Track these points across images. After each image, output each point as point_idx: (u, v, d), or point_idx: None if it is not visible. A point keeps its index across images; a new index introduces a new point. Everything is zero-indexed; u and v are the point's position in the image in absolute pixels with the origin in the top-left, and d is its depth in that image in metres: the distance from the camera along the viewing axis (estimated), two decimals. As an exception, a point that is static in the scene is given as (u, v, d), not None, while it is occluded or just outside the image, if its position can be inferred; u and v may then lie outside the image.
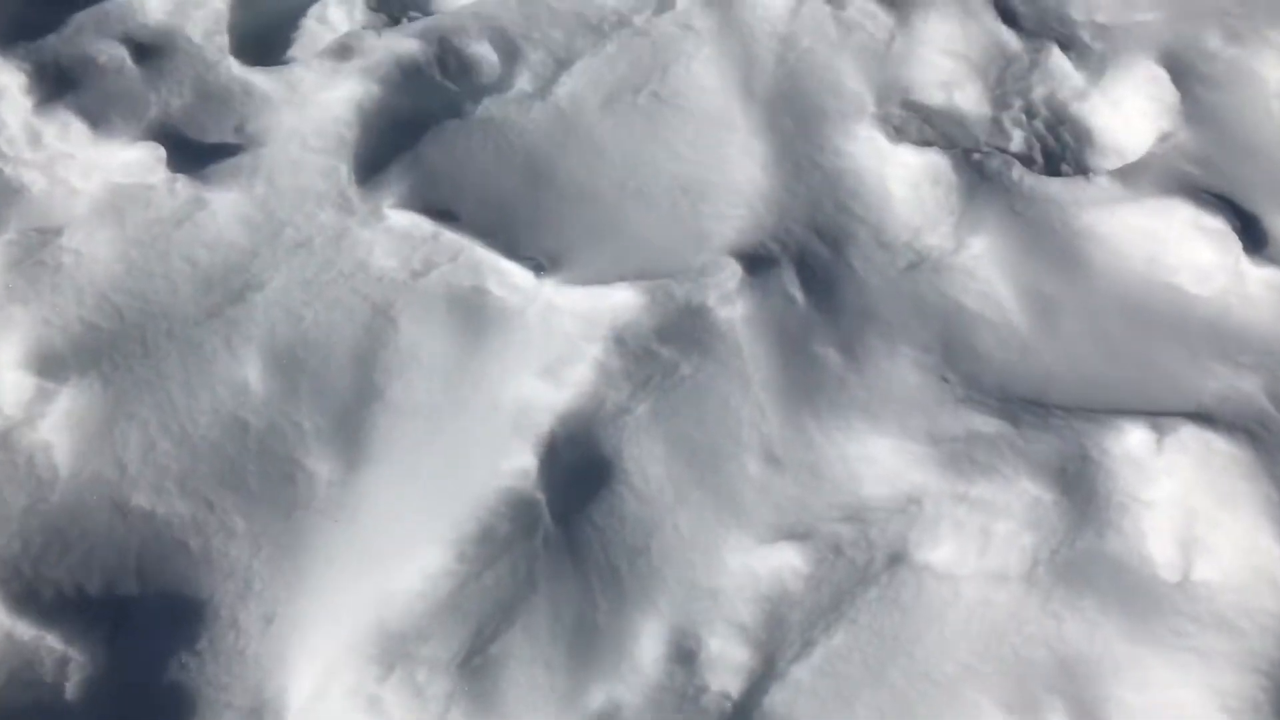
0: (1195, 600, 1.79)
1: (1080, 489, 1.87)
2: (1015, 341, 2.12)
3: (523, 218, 2.14)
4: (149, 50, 2.25)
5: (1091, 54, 2.54)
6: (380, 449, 1.88)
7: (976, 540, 1.82)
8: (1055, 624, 1.77)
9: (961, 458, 1.87)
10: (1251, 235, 2.27)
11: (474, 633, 1.67)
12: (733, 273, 2.03)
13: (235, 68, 2.25)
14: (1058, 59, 2.50)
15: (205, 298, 1.96)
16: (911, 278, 2.18)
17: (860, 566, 1.79)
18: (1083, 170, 2.43)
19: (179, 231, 2.02)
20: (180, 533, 1.76)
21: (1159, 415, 1.95)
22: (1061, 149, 2.45)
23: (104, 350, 1.88)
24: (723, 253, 2.08)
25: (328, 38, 2.35)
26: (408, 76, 2.19)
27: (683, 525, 1.83)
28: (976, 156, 2.30)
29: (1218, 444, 1.90)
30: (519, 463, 1.79)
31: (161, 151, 2.05)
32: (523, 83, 2.30)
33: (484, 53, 2.29)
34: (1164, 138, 2.42)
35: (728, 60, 2.39)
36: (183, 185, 2.05)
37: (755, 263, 2.06)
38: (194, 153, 2.10)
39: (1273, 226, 2.29)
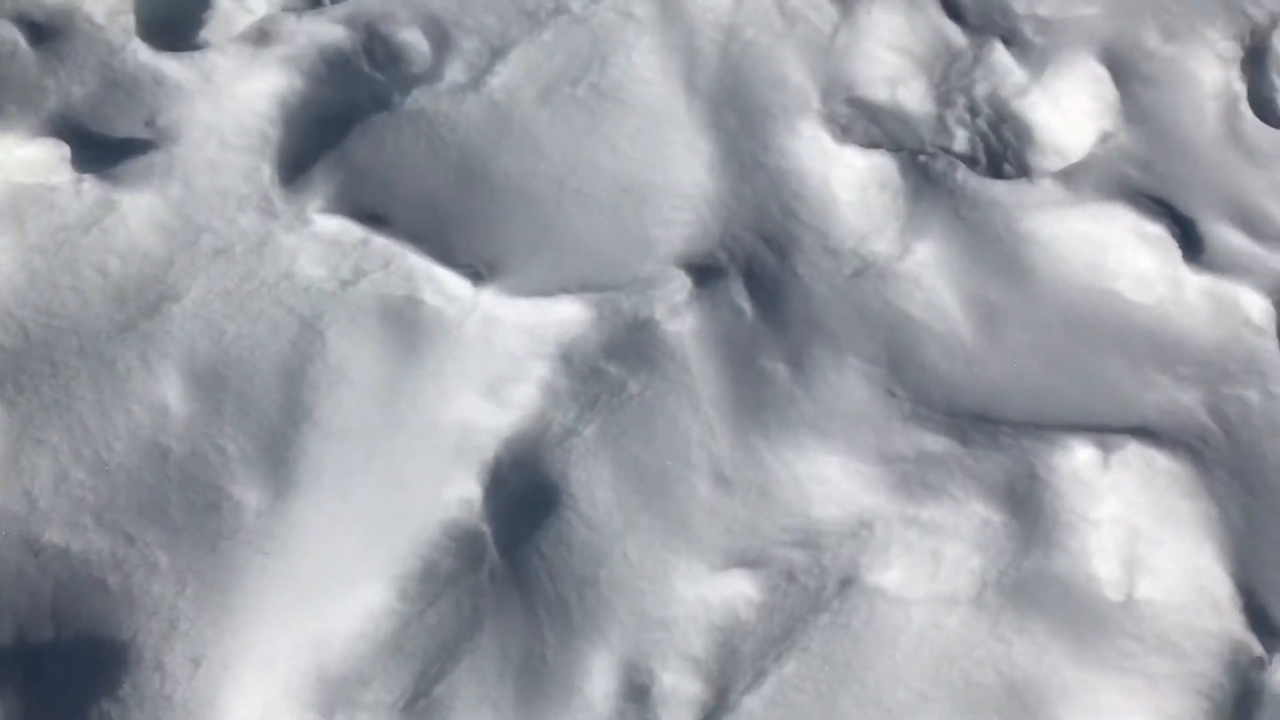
0: (1140, 621, 1.81)
1: (1028, 509, 1.87)
2: (961, 353, 2.10)
3: (458, 220, 2.04)
4: (46, 31, 2.06)
5: (1033, 49, 2.51)
6: (311, 474, 1.78)
7: (927, 564, 1.81)
8: (1004, 648, 1.77)
9: (912, 479, 1.85)
10: (1190, 241, 2.28)
11: (418, 675, 1.60)
12: (681, 285, 1.96)
13: (143, 53, 2.08)
14: (1000, 54, 2.47)
15: (118, 311, 1.82)
16: (857, 285, 2.14)
17: (812, 593, 1.76)
18: (1025, 170, 2.41)
19: (87, 238, 1.87)
20: (98, 570, 1.65)
21: (1104, 431, 1.95)
22: (1004, 148, 2.42)
23: (7, 371, 1.73)
24: (670, 262, 2.01)
25: (244, 20, 2.19)
26: (333, 67, 2.05)
27: (632, 552, 1.77)
28: (922, 159, 2.26)
29: (1160, 461, 1.91)
30: (462, 491, 1.71)
31: (65, 149, 1.88)
32: (455, 73, 2.18)
33: (414, 40, 2.16)
34: (1105, 138, 2.42)
35: (670, 51, 2.30)
36: (90, 186, 1.89)
37: (703, 274, 1.99)
38: (101, 149, 1.94)
39: (1209, 232, 2.31)
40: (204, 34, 2.19)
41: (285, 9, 2.17)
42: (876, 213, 2.20)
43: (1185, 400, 2.05)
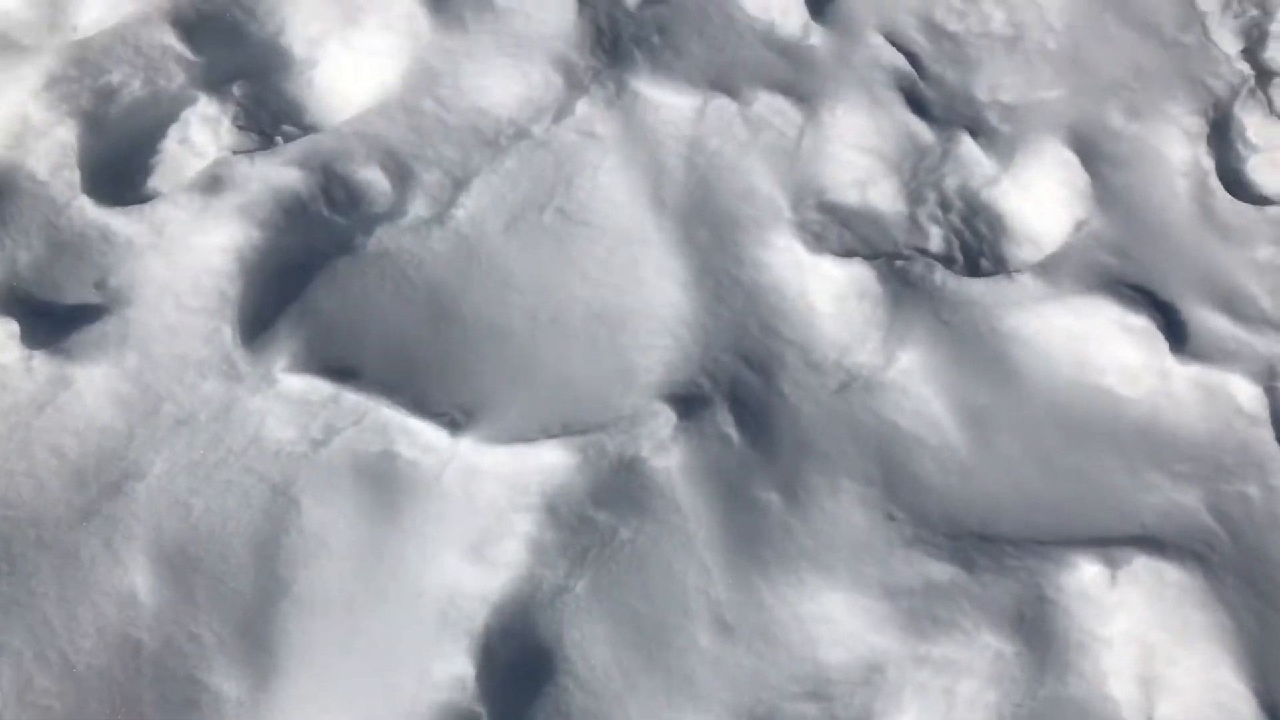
0: (1163, 745, 1.75)
1: (1039, 634, 1.81)
2: (955, 464, 2.04)
3: (430, 365, 1.96)
4: (-13, 194, 1.99)
5: (1000, 138, 2.48)
6: (293, 656, 1.68)
7: (941, 704, 1.74)
8: (1028, 785, 1.71)
9: (921, 614, 1.78)
10: (1174, 330, 2.25)
11: None
12: (666, 419, 1.89)
13: (90, 209, 1.99)
14: (968, 146, 2.43)
15: (78, 495, 1.73)
16: (845, 400, 2.08)
17: (826, 746, 1.70)
18: (1002, 264, 2.37)
19: (40, 418, 1.77)
20: (69, 785, 1.55)
21: (1107, 543, 1.90)
22: (979, 242, 2.39)
23: (-39, 572, 1.64)
24: (651, 393, 1.95)
25: (193, 164, 2.11)
26: (290, 214, 1.98)
27: (635, 716, 1.69)
28: (899, 263, 2.22)
29: (1169, 573, 1.86)
30: (453, 669, 1.62)
31: (13, 325, 1.79)
32: (418, 208, 2.11)
33: (373, 178, 2.09)
34: (1079, 225, 2.39)
35: (635, 169, 2.25)
36: (40, 363, 1.80)
37: (687, 404, 1.93)
38: (51, 321, 1.85)
39: (1193, 318, 2.28)
40: (153, 182, 2.11)
41: (236, 151, 2.10)
42: (857, 323, 2.15)
43: (1185, 501, 2.01)
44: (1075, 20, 2.69)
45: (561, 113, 2.26)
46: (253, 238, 1.92)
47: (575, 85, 2.28)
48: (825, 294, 2.17)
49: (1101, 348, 2.22)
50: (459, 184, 2.15)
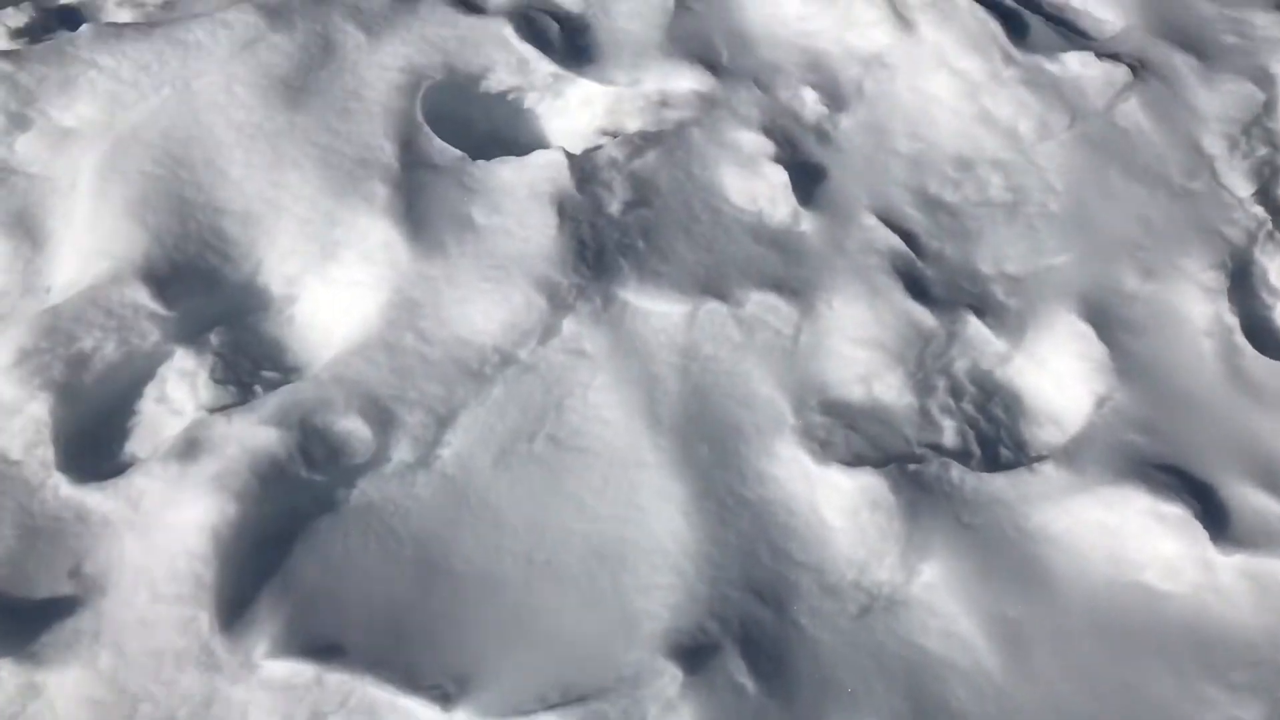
0: None
1: None
2: (990, 689, 1.90)
3: (420, 630, 1.85)
4: (-42, 484, 1.92)
5: (1008, 313, 2.38)
6: None
7: None
8: None
9: None
10: (1213, 515, 2.10)
11: None
12: (672, 677, 1.77)
13: (65, 487, 1.92)
14: (975, 327, 2.33)
15: (50, 819, 1.63)
16: (866, 626, 1.95)
17: None
18: (1023, 449, 2.24)
19: (9, 735, 1.69)
20: None
21: (1166, 779, 1.75)
22: (996, 429, 2.26)
23: None
24: (656, 645, 1.82)
25: (171, 425, 2.04)
26: (267, 481, 1.90)
27: None
28: (912, 467, 2.10)
29: (1237, 814, 1.71)
30: None
31: (-19, 637, 1.72)
32: (402, 452, 2.03)
33: (353, 428, 2.01)
34: (1100, 402, 2.26)
35: (627, 385, 2.16)
36: (9, 673, 1.71)
37: (695, 656, 1.81)
38: (21, 621, 1.76)
39: (1231, 498, 2.14)
40: (130, 447, 2.04)
41: (213, 409, 2.04)
42: (873, 537, 2.02)
43: (1247, 719, 1.85)
44: (1077, 178, 2.60)
45: (548, 333, 2.19)
46: (228, 514, 1.84)
47: (560, 304, 2.20)
48: (836, 507, 2.06)
49: (1137, 541, 2.08)
50: (443, 422, 2.07)
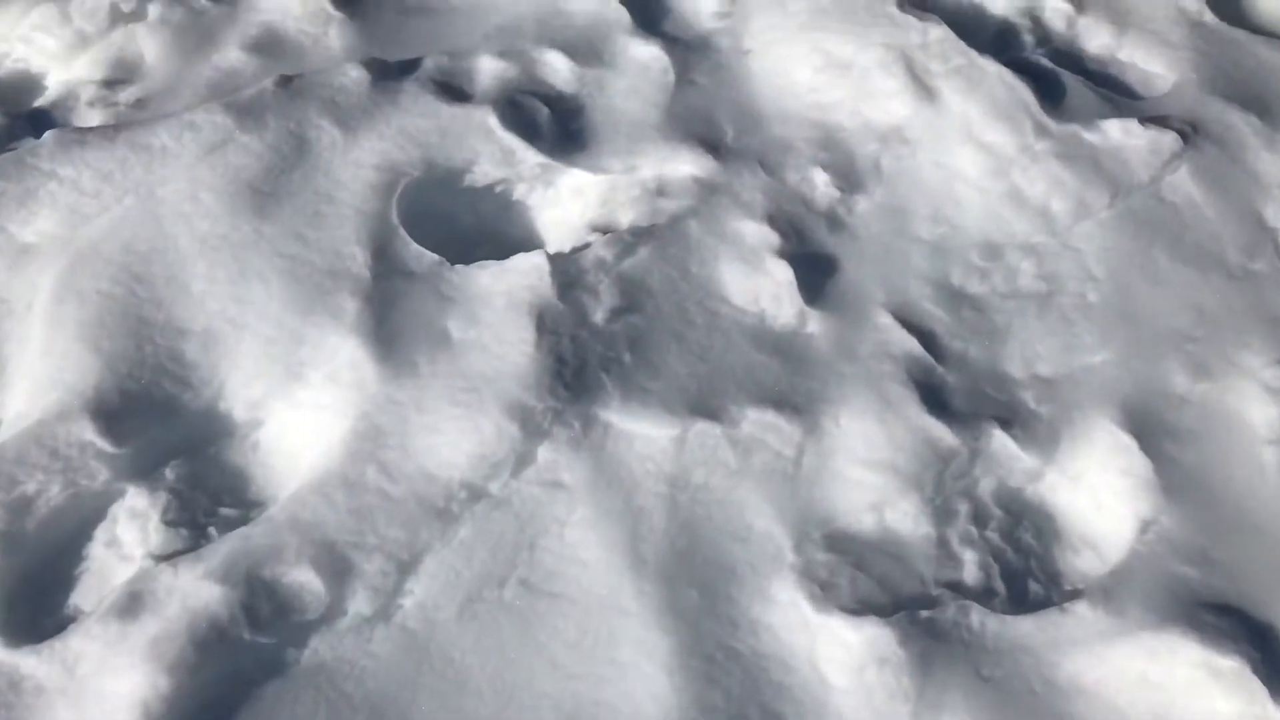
0: None
1: None
2: None
3: (370, 814, 1.69)
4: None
5: (1039, 424, 2.13)
6: None
7: None
8: None
9: None
10: (1274, 666, 1.85)
11: None
12: None
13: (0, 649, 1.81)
14: (1001, 441, 2.09)
15: None
16: (870, 806, 1.74)
17: None
18: (1055, 581, 2.00)
19: None
20: None
21: None
22: (1024, 559, 2.02)
23: None
24: (627, 838, 1.64)
25: (119, 571, 1.90)
26: (207, 647, 1.74)
27: None
28: (925, 614, 1.87)
29: None
30: None
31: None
32: (358, 605, 1.86)
33: (305, 580, 1.85)
34: (1144, 527, 2.01)
35: (608, 520, 1.97)
36: None
37: None
38: (-61, 809, 1.66)
39: (1296, 642, 1.89)
40: (75, 598, 1.89)
41: (160, 557, 1.89)
42: (879, 698, 1.80)
43: None
44: (1119, 262, 2.34)
45: (522, 463, 2.00)
46: (161, 688, 1.68)
47: (534, 431, 2.02)
48: (838, 663, 1.84)
49: (1185, 698, 1.82)
50: (405, 568, 1.90)
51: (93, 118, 2.49)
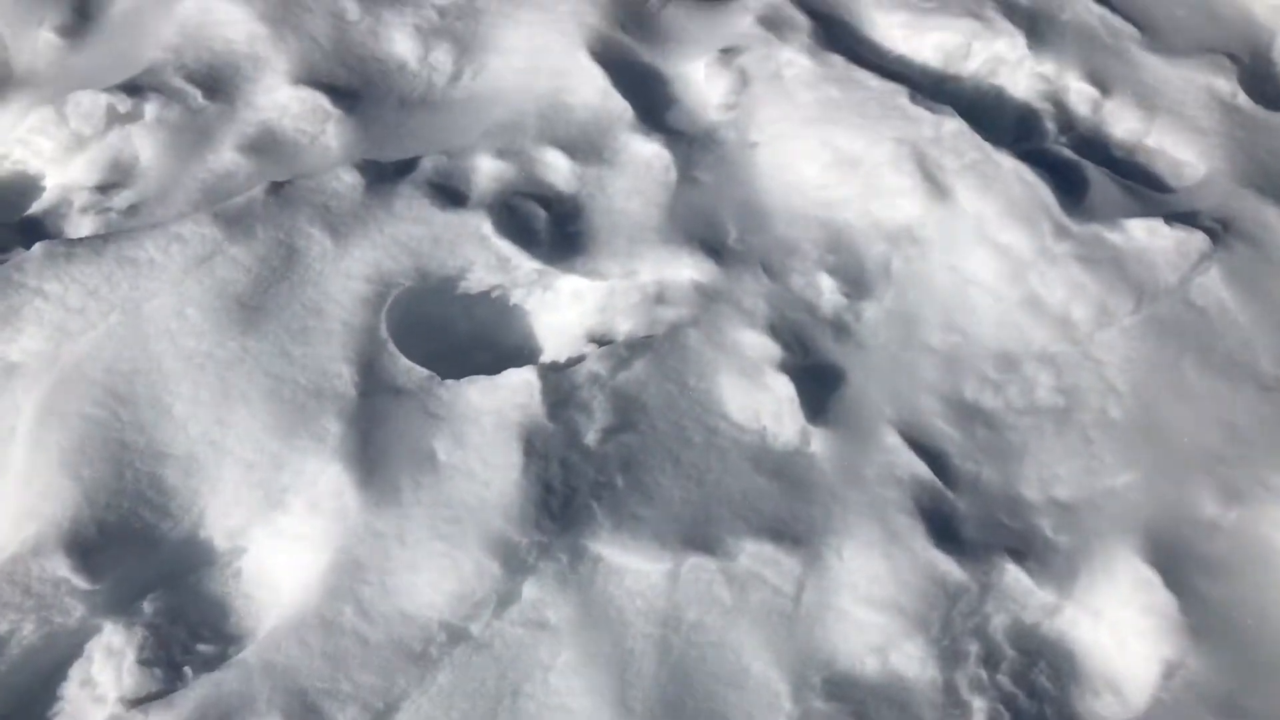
0: None
1: None
2: None
3: None
4: None
5: (1056, 555, 2.01)
6: None
7: None
8: None
9: None
10: (1311, 836, 1.72)
11: None
12: None
13: (-40, 811, 1.76)
14: (1014, 575, 1.97)
15: None
16: None
17: None
18: (1073, 727, 1.88)
19: None
20: None
21: None
22: (1039, 704, 1.89)
23: None
24: None
25: (91, 715, 1.84)
26: (169, 812, 1.69)
27: None
28: (928, 774, 1.77)
29: None
30: None
31: None
32: (329, 750, 1.79)
33: (274, 733, 1.79)
34: (1170, 670, 1.88)
35: (595, 664, 1.87)
36: None
37: None
38: None
39: (1336, 814, 1.74)
40: (47, 743, 1.86)
41: (133, 701, 1.82)
42: None
43: None
44: (1143, 374, 2.21)
45: (504, 602, 1.91)
46: None
47: (518, 567, 1.93)
48: (835, 832, 1.74)
49: None
50: (380, 719, 1.83)
51: (84, 225, 2.45)
